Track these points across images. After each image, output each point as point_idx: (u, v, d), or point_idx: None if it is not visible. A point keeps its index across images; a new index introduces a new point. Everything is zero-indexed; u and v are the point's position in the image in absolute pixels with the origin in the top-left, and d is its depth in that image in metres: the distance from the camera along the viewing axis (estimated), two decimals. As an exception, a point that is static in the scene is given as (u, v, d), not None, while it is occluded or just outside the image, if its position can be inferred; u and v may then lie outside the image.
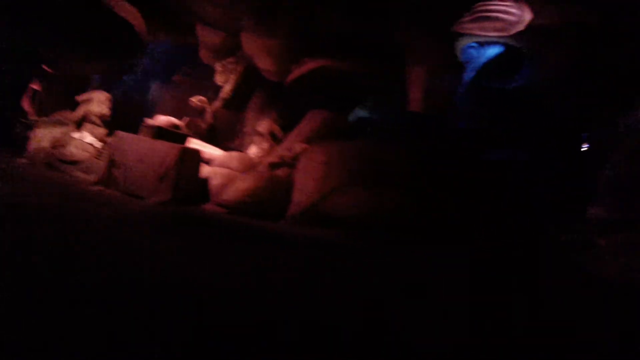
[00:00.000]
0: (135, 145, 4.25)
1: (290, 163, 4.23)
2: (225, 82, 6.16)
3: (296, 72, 4.78)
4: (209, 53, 5.95)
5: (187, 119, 6.10)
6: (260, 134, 5.17)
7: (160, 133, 4.18)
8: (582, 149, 3.75)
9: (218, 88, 6.48)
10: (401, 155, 3.53)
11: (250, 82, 6.12)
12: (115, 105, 5.79)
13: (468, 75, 3.76)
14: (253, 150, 5.24)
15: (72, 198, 3.38)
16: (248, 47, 5.25)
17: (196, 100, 6.11)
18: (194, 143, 5.03)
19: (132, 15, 5.46)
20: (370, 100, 4.76)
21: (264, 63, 5.19)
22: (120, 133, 4.50)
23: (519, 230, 2.98)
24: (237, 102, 6.17)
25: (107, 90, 6.01)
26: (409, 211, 3.19)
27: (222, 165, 4.79)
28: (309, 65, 4.66)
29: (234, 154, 5.15)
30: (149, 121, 4.81)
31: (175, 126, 4.89)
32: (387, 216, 3.17)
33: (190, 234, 2.66)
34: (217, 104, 6.14)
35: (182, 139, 4.50)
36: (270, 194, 3.82)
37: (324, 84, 4.81)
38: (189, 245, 2.32)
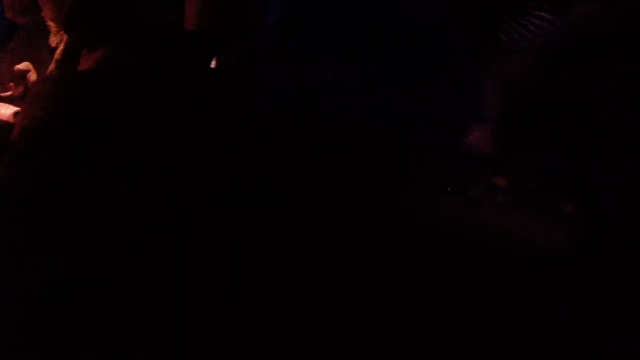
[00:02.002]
0: None
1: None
2: (60, 42, 5.52)
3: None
4: (10, 11, 5.11)
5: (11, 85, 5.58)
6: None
7: None
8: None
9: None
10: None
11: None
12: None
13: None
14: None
15: None
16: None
17: (21, 66, 5.50)
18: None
19: None
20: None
21: (47, 12, 4.46)
22: None
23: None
24: (72, 63, 5.53)
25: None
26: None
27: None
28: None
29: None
30: None
31: None
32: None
33: None
34: (51, 66, 5.49)
35: None
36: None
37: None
38: None
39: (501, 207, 1.60)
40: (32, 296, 0.82)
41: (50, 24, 4.26)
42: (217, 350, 0.85)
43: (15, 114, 3.85)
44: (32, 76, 4.48)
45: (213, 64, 1.33)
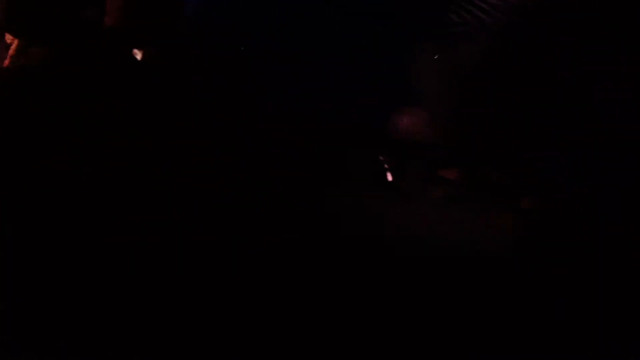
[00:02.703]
0: None
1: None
2: (13, 40, 5.56)
3: None
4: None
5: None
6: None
7: None
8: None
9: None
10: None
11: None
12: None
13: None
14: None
15: None
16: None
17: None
18: None
19: None
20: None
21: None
22: None
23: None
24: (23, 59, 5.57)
25: None
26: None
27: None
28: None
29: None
30: None
31: None
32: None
33: None
34: (6, 62, 5.50)
35: None
36: None
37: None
38: None
39: (447, 202, 1.48)
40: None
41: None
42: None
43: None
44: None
45: (138, 58, 1.31)
